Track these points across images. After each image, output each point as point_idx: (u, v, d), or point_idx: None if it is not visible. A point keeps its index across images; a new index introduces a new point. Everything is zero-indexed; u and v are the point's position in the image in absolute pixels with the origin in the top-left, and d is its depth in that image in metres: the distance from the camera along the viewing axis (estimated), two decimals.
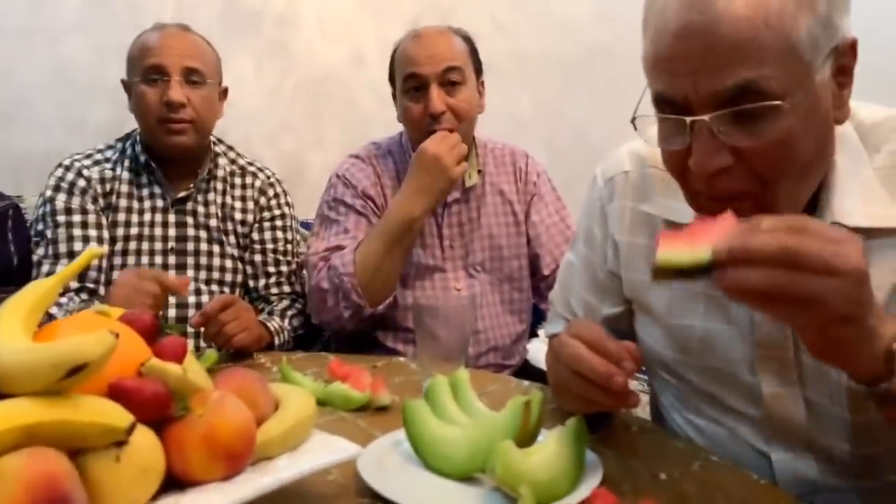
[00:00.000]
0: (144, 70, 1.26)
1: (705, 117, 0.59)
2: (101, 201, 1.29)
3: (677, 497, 0.65)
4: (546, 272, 1.37)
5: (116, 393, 0.49)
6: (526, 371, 1.42)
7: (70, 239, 1.26)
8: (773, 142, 0.58)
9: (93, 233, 1.27)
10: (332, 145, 2.14)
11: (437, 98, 1.25)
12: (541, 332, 2.08)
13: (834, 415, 0.68)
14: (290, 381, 0.92)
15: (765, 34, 0.56)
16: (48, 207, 1.27)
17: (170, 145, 1.27)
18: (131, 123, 1.36)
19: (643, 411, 1.66)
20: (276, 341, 1.23)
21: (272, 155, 2.11)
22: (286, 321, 1.30)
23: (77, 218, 1.27)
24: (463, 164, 1.25)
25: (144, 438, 0.49)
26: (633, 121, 0.68)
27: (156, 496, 0.49)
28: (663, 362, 0.82)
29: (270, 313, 1.31)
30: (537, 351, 1.90)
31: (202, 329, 1.10)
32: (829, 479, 0.71)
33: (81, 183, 1.28)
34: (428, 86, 1.25)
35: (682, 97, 0.60)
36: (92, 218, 1.27)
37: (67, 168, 1.30)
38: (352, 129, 2.16)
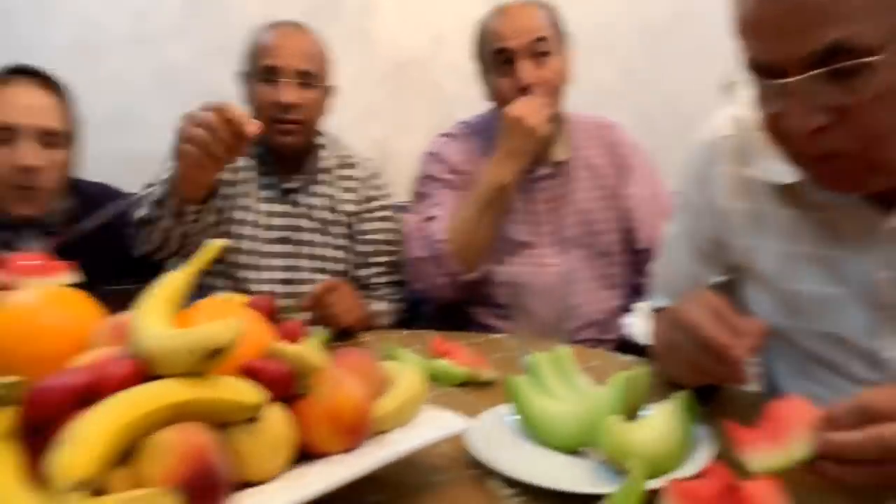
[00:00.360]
0: (260, 70, 1.31)
1: (798, 79, 0.58)
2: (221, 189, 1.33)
3: (793, 474, 0.63)
4: (642, 246, 1.34)
5: (247, 373, 0.53)
6: (624, 346, 1.40)
7: None
8: (870, 98, 0.57)
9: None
10: (419, 129, 2.16)
11: (526, 70, 1.24)
12: (638, 306, 2.05)
13: None
14: (395, 359, 0.96)
15: None
16: None
17: (279, 144, 1.33)
18: None
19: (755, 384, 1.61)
20: (378, 324, 1.28)
21: (361, 142, 2.14)
22: (388, 306, 1.35)
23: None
24: (547, 124, 1.23)
25: (276, 414, 0.53)
26: (726, 86, 0.70)
27: (289, 466, 0.53)
28: (775, 329, 0.79)
29: (373, 298, 1.36)
30: (636, 326, 1.87)
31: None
32: None
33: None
34: (515, 59, 1.25)
35: (774, 61, 0.60)
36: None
37: None
38: (437, 112, 2.18)
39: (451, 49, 2.15)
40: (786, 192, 0.75)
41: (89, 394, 0.48)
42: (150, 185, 1.24)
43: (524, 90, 1.24)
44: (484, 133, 1.38)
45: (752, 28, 0.60)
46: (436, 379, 0.91)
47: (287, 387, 0.55)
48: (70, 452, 0.43)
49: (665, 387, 0.85)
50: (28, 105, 1.20)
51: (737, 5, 0.62)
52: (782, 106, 0.60)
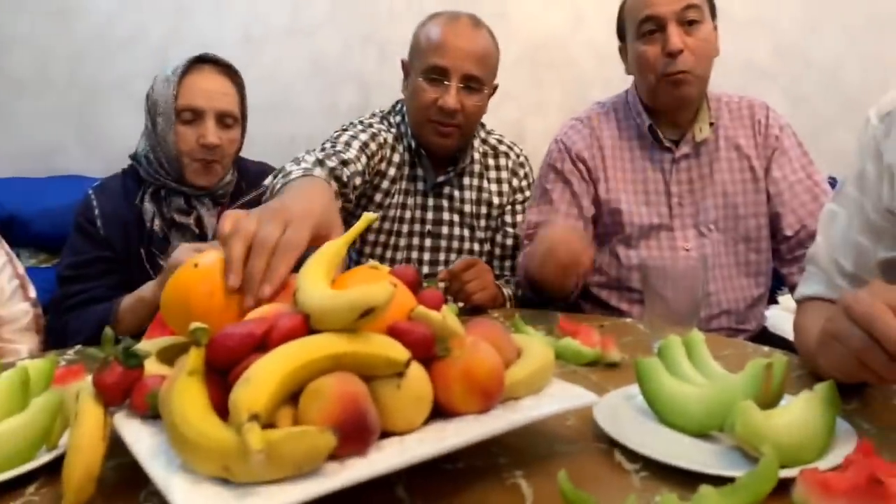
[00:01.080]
0: (426, 69, 1.30)
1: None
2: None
3: None
4: (789, 233, 1.27)
5: (394, 333, 0.59)
6: (764, 338, 1.34)
7: None
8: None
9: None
10: (553, 110, 2.17)
11: (676, 35, 1.22)
12: (781, 298, 1.93)
13: None
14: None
15: None
16: None
17: (434, 144, 1.34)
18: (375, 106, 1.52)
19: None
20: (509, 305, 1.32)
21: (494, 123, 2.20)
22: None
23: None
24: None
25: (418, 372, 0.58)
26: None
27: (427, 421, 0.58)
28: None
29: (508, 282, 1.39)
30: (778, 318, 1.77)
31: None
32: None
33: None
34: (665, 26, 1.23)
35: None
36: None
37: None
38: (572, 91, 2.17)
39: (590, 28, 2.12)
40: None
41: (263, 342, 0.56)
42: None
43: (672, 55, 1.22)
44: (617, 114, 1.37)
45: None
46: (563, 357, 0.93)
47: (428, 348, 0.60)
48: (247, 390, 0.51)
49: (807, 380, 0.82)
50: (213, 90, 1.34)
51: None
52: None
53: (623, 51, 1.35)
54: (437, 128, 1.31)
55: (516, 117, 2.22)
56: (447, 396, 0.60)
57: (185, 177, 1.35)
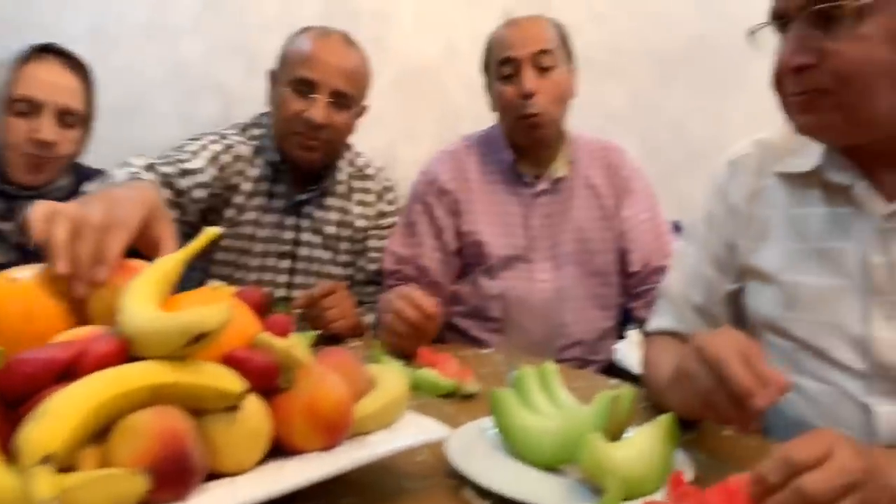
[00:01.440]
0: (295, 80, 1.23)
1: (794, 21, 0.69)
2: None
3: None
4: (635, 268, 1.34)
5: (231, 362, 0.53)
6: (612, 371, 1.40)
7: None
8: (846, 43, 0.66)
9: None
10: (425, 139, 2.18)
11: (530, 79, 1.27)
12: (629, 333, 2.04)
13: None
14: (378, 363, 0.96)
15: None
16: None
17: (298, 158, 1.26)
18: (236, 118, 1.43)
19: None
20: (371, 335, 1.27)
21: (364, 149, 2.17)
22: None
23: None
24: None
25: (255, 405, 0.52)
26: (750, 34, 0.78)
27: (263, 460, 0.53)
28: (772, 323, 0.83)
29: (370, 310, 1.34)
30: (626, 352, 1.86)
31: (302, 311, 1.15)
32: None
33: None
34: (521, 68, 1.27)
35: (784, 9, 0.71)
36: None
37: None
38: (444, 122, 2.19)
39: (463, 60, 2.16)
40: (797, 190, 0.82)
41: (69, 370, 0.48)
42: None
43: (526, 97, 1.27)
44: (482, 147, 1.40)
45: None
46: (419, 388, 0.91)
47: (269, 379, 0.55)
48: (41, 426, 0.43)
49: (651, 412, 0.85)
50: (54, 83, 1.22)
51: None
52: (782, 49, 0.71)
53: (488, 87, 1.39)
54: (301, 140, 1.25)
55: (387, 143, 2.21)
56: (288, 432, 0.55)
57: (7, 173, 1.19)
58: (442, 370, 0.93)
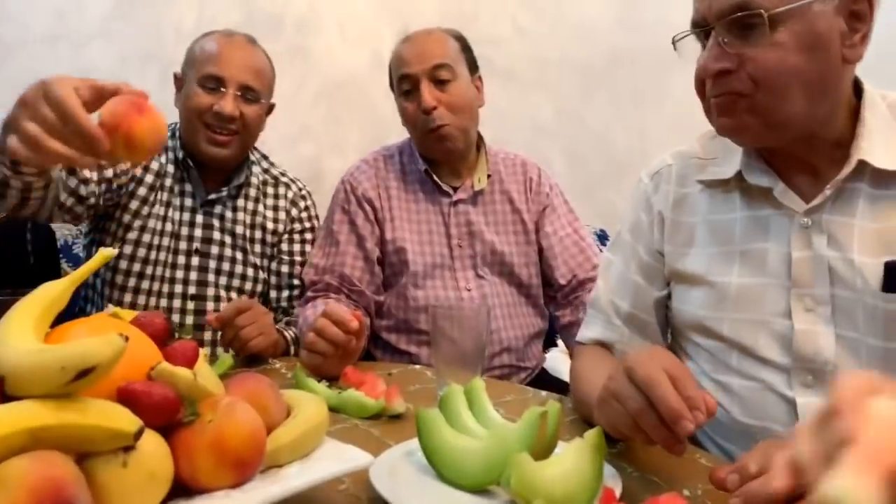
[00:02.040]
0: (202, 77, 1.25)
1: (714, 26, 0.73)
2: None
3: None
4: (562, 282, 1.36)
5: (125, 397, 0.48)
6: (543, 380, 1.40)
7: None
8: (762, 50, 0.70)
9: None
10: (351, 150, 2.14)
11: (428, 94, 1.28)
12: (560, 342, 2.06)
13: (866, 347, 0.73)
14: (304, 388, 0.92)
15: None
16: None
17: (210, 154, 1.27)
18: None
19: None
20: (293, 350, 1.23)
21: (291, 160, 2.09)
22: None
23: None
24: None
25: (153, 443, 0.48)
26: (673, 42, 0.80)
27: (163, 503, 0.48)
28: (700, 323, 0.85)
29: (289, 323, 1.30)
30: (556, 360, 1.87)
31: (220, 335, 1.10)
32: None
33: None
34: (419, 84, 1.28)
35: (703, 16, 0.74)
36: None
37: None
38: (370, 133, 2.16)
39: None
40: (718, 196, 0.85)
41: None
42: None
43: (427, 112, 1.28)
44: (402, 157, 1.40)
45: None
46: (345, 411, 0.87)
47: (170, 414, 0.50)
48: None
49: (579, 424, 0.84)
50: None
51: None
52: (704, 55, 0.75)
53: (396, 100, 1.39)
54: (211, 135, 1.25)
55: (314, 155, 2.16)
56: (192, 470, 0.50)
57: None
58: (368, 391, 0.89)
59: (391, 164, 1.39)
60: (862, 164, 0.74)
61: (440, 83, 1.29)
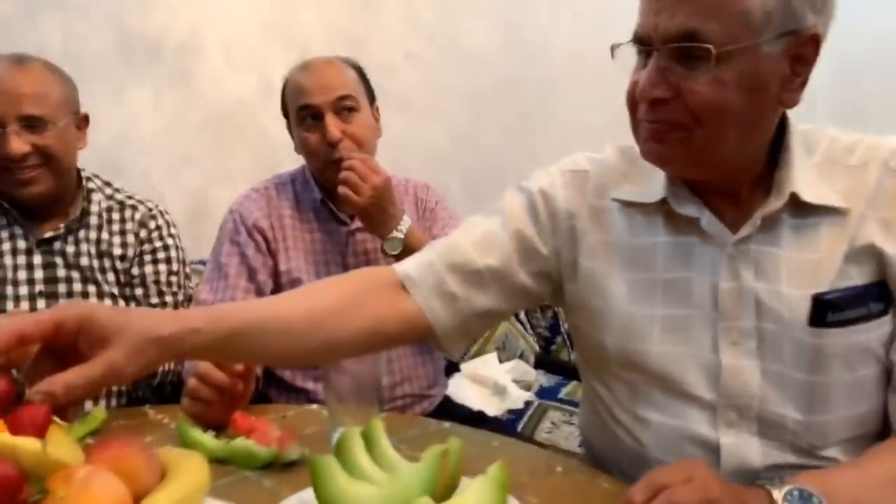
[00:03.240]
0: None
1: (658, 49, 0.70)
2: None
3: None
4: None
5: None
6: (447, 408, 1.37)
7: None
8: (704, 84, 0.68)
9: None
10: (241, 179, 2.04)
11: (334, 126, 1.24)
12: (463, 365, 2.05)
13: (791, 381, 0.72)
14: (188, 440, 0.84)
15: None
16: None
17: (23, 195, 1.17)
18: None
19: (566, 443, 1.65)
20: (164, 366, 1.16)
21: (174, 191, 1.99)
22: None
23: None
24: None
25: None
26: (612, 50, 0.77)
27: None
28: (622, 354, 0.79)
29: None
30: (460, 386, 1.86)
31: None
32: (772, 457, 0.74)
33: None
34: (323, 115, 1.24)
35: (648, 34, 0.71)
36: None
37: None
38: (262, 161, 2.08)
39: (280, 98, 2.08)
40: (638, 219, 0.80)
41: None
42: None
43: (332, 145, 1.24)
44: (295, 186, 1.35)
45: (645, 2, 0.72)
46: (235, 461, 0.81)
47: (13, 494, 0.43)
48: None
49: (483, 457, 0.82)
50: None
51: None
52: (642, 75, 0.71)
53: (290, 130, 1.35)
54: (14, 177, 1.15)
55: (200, 185, 2.05)
56: None
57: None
58: (259, 438, 0.83)
59: (284, 193, 1.33)
60: (791, 196, 0.73)
61: (345, 115, 1.26)
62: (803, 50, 0.69)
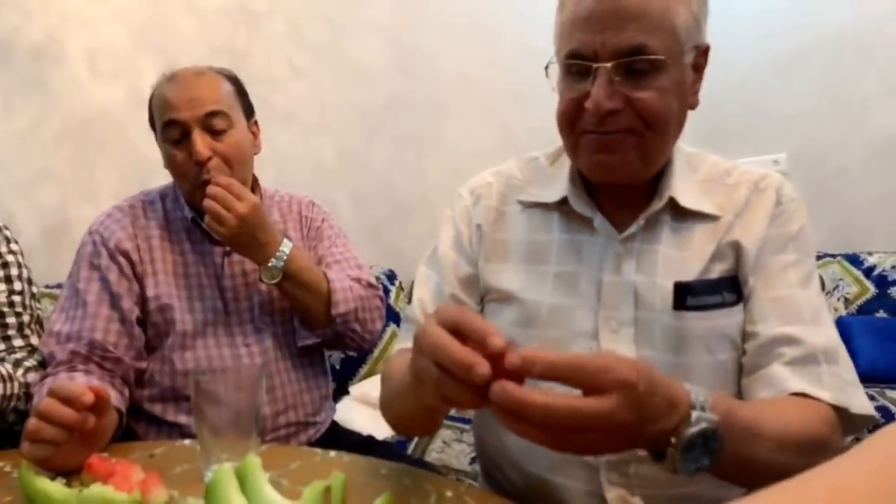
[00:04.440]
0: None
1: (608, 64, 0.74)
2: None
3: None
4: (336, 311, 1.21)
5: None
6: (335, 434, 1.31)
7: None
8: (651, 93, 0.75)
9: None
10: (106, 196, 1.88)
11: (201, 145, 1.13)
12: (352, 388, 1.99)
13: (662, 364, 0.77)
14: (31, 490, 0.74)
15: (658, 12, 0.73)
16: None
17: None
18: None
19: (457, 461, 1.63)
20: (5, 390, 1.04)
21: (28, 208, 1.79)
22: (18, 371, 1.09)
23: None
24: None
25: None
26: (546, 68, 0.81)
27: None
28: (509, 339, 0.82)
29: (1, 360, 1.08)
30: (348, 410, 1.80)
31: None
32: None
33: None
34: (190, 132, 1.13)
35: (592, 51, 0.75)
36: None
37: None
38: (130, 177, 1.92)
39: None
40: (537, 218, 0.88)
41: None
42: None
43: (201, 164, 1.14)
44: (164, 202, 1.24)
45: (583, 22, 0.75)
46: None
47: None
48: None
49: (372, 487, 0.78)
50: None
51: (570, 8, 0.77)
52: (587, 89, 0.76)
53: (158, 143, 1.22)
54: None
55: (58, 202, 1.85)
56: None
57: None
58: (119, 483, 0.74)
59: (152, 211, 1.22)
60: (669, 201, 0.82)
61: (215, 132, 1.15)
62: (701, 59, 0.81)
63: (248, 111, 1.25)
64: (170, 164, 1.18)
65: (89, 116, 1.92)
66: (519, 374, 0.52)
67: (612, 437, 0.52)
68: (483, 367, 0.52)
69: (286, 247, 1.15)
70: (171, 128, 1.14)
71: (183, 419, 1.15)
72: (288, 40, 2.32)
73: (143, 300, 1.16)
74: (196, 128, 1.13)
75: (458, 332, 0.55)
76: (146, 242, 1.18)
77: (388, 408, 0.86)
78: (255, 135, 1.26)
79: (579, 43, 0.76)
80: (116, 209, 1.22)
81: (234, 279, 1.21)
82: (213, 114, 1.14)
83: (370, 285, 1.28)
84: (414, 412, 0.74)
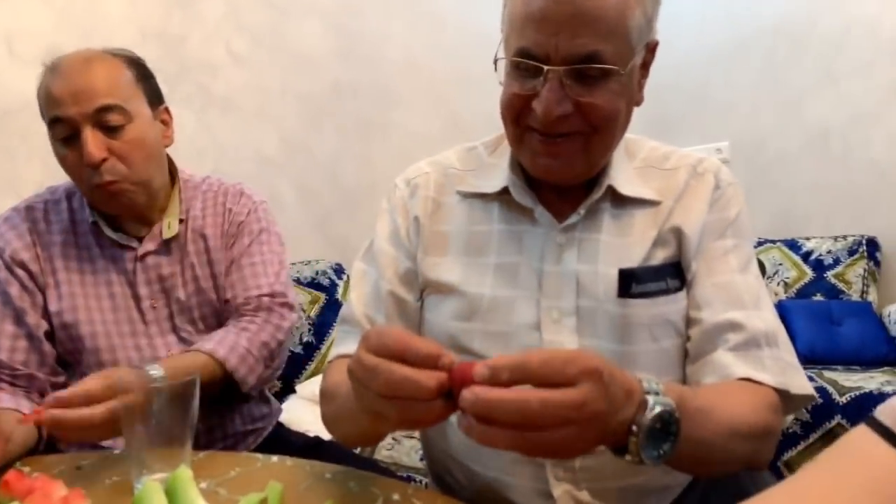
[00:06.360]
0: None
1: (560, 69, 0.72)
2: None
3: None
4: (238, 300, 1.12)
5: None
6: (279, 437, 1.26)
7: None
8: (602, 98, 0.74)
9: None
10: (29, 189, 1.76)
11: (92, 144, 0.98)
12: (298, 386, 1.94)
13: (606, 353, 0.73)
14: None
15: (613, 17, 0.71)
16: None
17: None
18: None
19: (408, 458, 1.61)
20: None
21: None
22: None
23: None
24: None
25: None
26: (494, 62, 0.79)
27: None
28: (450, 335, 0.83)
29: None
30: (294, 410, 1.75)
31: None
32: None
33: None
34: (80, 130, 0.99)
35: (545, 53, 0.73)
36: None
37: None
38: (55, 168, 1.81)
39: None
40: (477, 209, 0.87)
41: None
42: None
43: (94, 167, 1.00)
44: (71, 201, 1.11)
45: (536, 23, 0.72)
46: None
47: None
48: None
49: (316, 493, 0.75)
50: None
51: (523, 3, 0.74)
52: (536, 89, 0.74)
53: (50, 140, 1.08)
54: None
55: None
56: None
57: None
58: (38, 501, 0.68)
59: (55, 214, 1.08)
60: (608, 189, 0.82)
61: (109, 129, 1.00)
62: (650, 56, 0.80)
63: (155, 98, 1.10)
64: (62, 164, 1.05)
65: (9, 104, 1.80)
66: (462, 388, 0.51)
67: (584, 430, 0.50)
68: (435, 377, 0.52)
69: (155, 371, 0.95)
70: (57, 125, 1.00)
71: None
72: (226, 23, 2.23)
73: (47, 314, 1.05)
74: (86, 125, 0.99)
75: (403, 360, 0.53)
76: (46, 251, 1.06)
77: (335, 427, 0.81)
78: (166, 124, 1.12)
79: (531, 42, 0.73)
80: (14, 212, 1.09)
81: (150, 286, 1.10)
82: (105, 108, 0.99)
83: (283, 303, 1.14)
84: (366, 430, 0.70)
